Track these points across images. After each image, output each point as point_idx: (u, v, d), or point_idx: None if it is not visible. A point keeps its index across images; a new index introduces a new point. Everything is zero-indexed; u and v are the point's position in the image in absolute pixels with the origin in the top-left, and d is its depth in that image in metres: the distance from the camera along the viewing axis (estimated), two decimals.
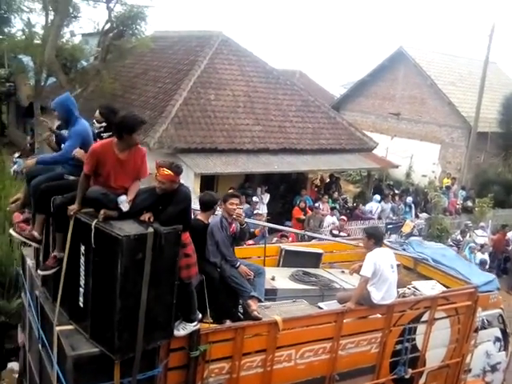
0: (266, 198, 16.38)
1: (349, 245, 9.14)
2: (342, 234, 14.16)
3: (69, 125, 5.59)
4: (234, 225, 6.49)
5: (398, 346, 6.90)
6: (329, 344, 6.26)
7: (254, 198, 15.11)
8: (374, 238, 6.78)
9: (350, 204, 19.38)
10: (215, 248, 6.24)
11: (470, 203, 20.25)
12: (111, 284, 4.47)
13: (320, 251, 8.74)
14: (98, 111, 5.43)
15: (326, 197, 17.39)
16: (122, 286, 4.43)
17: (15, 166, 19.09)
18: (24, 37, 20.13)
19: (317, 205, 16.34)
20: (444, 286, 7.83)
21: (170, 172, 4.94)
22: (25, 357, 7.24)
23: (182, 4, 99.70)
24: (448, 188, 21.30)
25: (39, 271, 5.34)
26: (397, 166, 20.76)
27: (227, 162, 15.55)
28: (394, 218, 17.55)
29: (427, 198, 19.88)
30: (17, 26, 21.61)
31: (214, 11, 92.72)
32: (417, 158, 25.37)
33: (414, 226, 16.07)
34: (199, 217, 6.15)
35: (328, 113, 19.80)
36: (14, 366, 8.93)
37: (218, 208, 6.55)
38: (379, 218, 17.33)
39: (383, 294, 6.51)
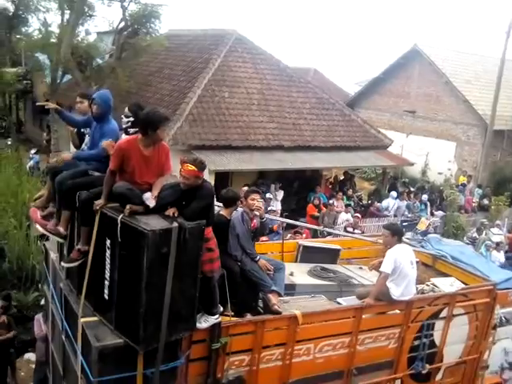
0: (280, 194, 16.36)
1: (367, 241, 9.10)
2: (356, 231, 14.12)
3: (103, 121, 5.65)
4: (255, 221, 6.55)
5: (416, 342, 6.89)
6: (347, 339, 6.29)
7: (268, 195, 15.10)
8: (397, 235, 6.80)
9: (364, 201, 19.30)
10: (236, 241, 6.30)
11: (486, 201, 20.09)
12: (137, 277, 4.56)
13: (338, 247, 8.74)
14: (127, 107, 5.50)
15: (341, 194, 17.33)
16: (147, 279, 4.52)
17: (31, 162, 19.30)
18: (40, 36, 20.35)
19: (331, 202, 16.30)
20: (462, 282, 7.82)
21: (194, 168, 5.00)
22: (47, 347, 7.37)
23: (195, 2, 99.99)
24: (464, 186, 21.13)
25: (63, 264, 5.42)
26: (412, 164, 20.63)
27: (241, 158, 15.57)
28: (410, 215, 17.44)
29: (443, 195, 19.74)
30: (34, 26, 21.86)
31: (227, 9, 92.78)
32: (432, 156, 25.17)
33: (430, 224, 15.95)
34: (222, 212, 6.22)
35: (342, 110, 19.73)
36: (30, 356, 9.14)
37: (240, 204, 6.59)
38: (394, 215, 17.23)
39: (402, 290, 6.52)
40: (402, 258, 6.59)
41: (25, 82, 26.27)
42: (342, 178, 19.92)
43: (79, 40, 19.68)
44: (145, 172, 4.99)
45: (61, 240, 5.64)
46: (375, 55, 74.61)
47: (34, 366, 8.69)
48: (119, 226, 4.65)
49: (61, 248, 6.05)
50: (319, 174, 18.56)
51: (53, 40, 19.55)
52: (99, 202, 4.89)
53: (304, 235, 12.45)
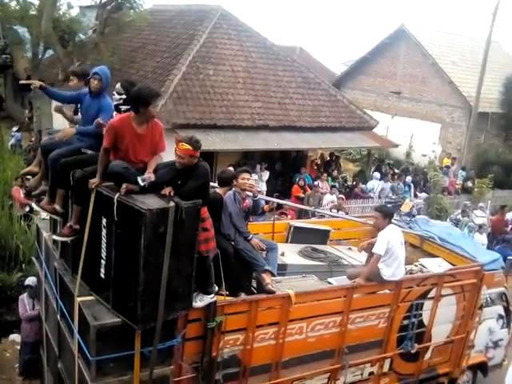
0: (266, 175, 16.25)
1: (357, 222, 9.20)
2: (340, 212, 14.08)
3: (99, 96, 5.61)
4: (247, 200, 6.63)
5: (405, 322, 7.09)
6: (339, 318, 6.43)
7: (253, 176, 14.96)
8: (388, 217, 6.92)
9: (349, 183, 19.29)
10: (228, 220, 6.37)
11: (469, 183, 20.18)
12: (134, 256, 4.58)
13: (328, 228, 8.89)
14: (118, 84, 5.44)
15: (325, 175, 17.28)
16: (145, 258, 4.54)
17: (13, 140, 18.93)
18: (18, 6, 19.72)
19: (316, 183, 16.25)
20: (450, 263, 7.95)
21: (189, 147, 4.99)
22: (40, 327, 7.41)
23: None
24: (448, 168, 21.22)
25: (54, 236, 5.44)
26: (397, 146, 20.62)
27: (226, 138, 15.38)
28: (394, 197, 17.48)
29: (427, 177, 19.81)
30: None
31: None
32: (417, 138, 25.25)
33: (413, 206, 16.00)
34: (217, 191, 6.32)
35: (328, 90, 19.58)
36: (15, 337, 9.07)
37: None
38: (379, 197, 17.26)
39: (393, 270, 6.67)
40: (393, 239, 6.71)
41: (4, 56, 25.57)
42: (328, 158, 19.85)
43: (61, 14, 19.14)
44: (139, 150, 4.98)
45: (57, 217, 5.60)
46: (362, 35, 73.90)
47: (19, 346, 8.58)
48: (115, 205, 4.64)
49: (54, 226, 6.05)
50: (304, 155, 18.46)
51: (32, 12, 18.98)
52: (94, 181, 4.88)
53: (289, 216, 12.43)
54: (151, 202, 4.62)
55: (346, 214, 14.10)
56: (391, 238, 6.67)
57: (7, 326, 9.25)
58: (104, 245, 4.89)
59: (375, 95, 27.93)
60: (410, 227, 9.05)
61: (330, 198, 15.44)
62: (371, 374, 7.07)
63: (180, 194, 4.86)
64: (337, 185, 17.62)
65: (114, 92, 5.47)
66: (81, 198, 5.05)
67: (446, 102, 24.94)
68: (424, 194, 18.19)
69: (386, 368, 7.17)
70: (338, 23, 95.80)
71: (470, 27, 65.02)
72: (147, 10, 19.35)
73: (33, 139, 19.41)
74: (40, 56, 19.81)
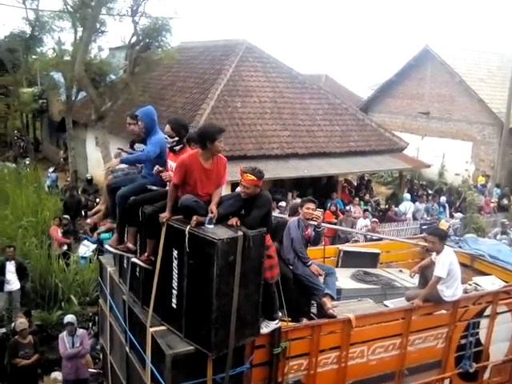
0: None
1: (408, 243, 9.40)
2: (374, 236, 13.99)
3: (151, 133, 5.99)
4: (309, 230, 6.82)
5: (463, 341, 7.13)
6: (398, 340, 6.53)
7: (283, 203, 15.01)
8: (444, 239, 7.00)
9: (382, 206, 19.15)
10: (289, 244, 6.58)
11: (505, 201, 19.78)
12: (207, 285, 4.79)
13: (377, 251, 9.01)
14: (168, 126, 5.65)
15: (357, 199, 17.23)
16: (217, 286, 4.75)
17: (48, 181, 19.53)
18: (55, 54, 20.65)
19: (348, 208, 16.19)
20: (503, 280, 7.96)
21: (253, 177, 5.25)
22: (105, 360, 7.65)
23: (205, 14, 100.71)
24: (483, 186, 20.89)
25: (133, 259, 5.61)
26: (429, 166, 20.45)
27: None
28: (428, 218, 17.27)
29: (461, 196, 19.52)
30: (48, 45, 22.22)
31: (237, 19, 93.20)
32: (449, 157, 24.96)
33: (450, 226, 15.77)
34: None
35: (356, 115, 19.67)
36: (57, 375, 9.19)
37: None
38: (414, 218, 17.07)
39: (453, 291, 6.77)
40: (454, 261, 6.85)
41: (40, 101, 26.67)
42: (356, 183, 19.79)
43: (92, 57, 19.89)
44: (206, 184, 5.27)
45: (131, 255, 5.81)
46: (387, 58, 74.23)
47: None
48: (187, 236, 4.87)
49: (120, 261, 6.37)
50: (335, 180, 18.48)
51: (67, 58, 19.82)
52: (165, 215, 5.14)
53: (323, 242, 12.41)
54: (221, 233, 4.84)
55: (380, 238, 13.99)
56: (452, 260, 6.82)
57: (49, 364, 9.43)
58: (175, 275, 5.11)
59: (403, 117, 27.84)
60: (460, 246, 9.07)
61: (363, 223, 15.36)
62: None
63: (245, 223, 5.07)
64: (369, 209, 17.54)
65: (166, 136, 5.71)
66: (153, 232, 5.31)
67: (476, 119, 24.65)
68: (460, 214, 17.91)
69: None
70: (362, 49, 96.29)
71: (496, 43, 64.51)
72: (175, 47, 19.91)
73: (68, 179, 20.01)
74: (73, 98, 20.62)
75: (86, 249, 12.61)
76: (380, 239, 13.80)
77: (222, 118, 16.36)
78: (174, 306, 5.16)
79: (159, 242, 5.25)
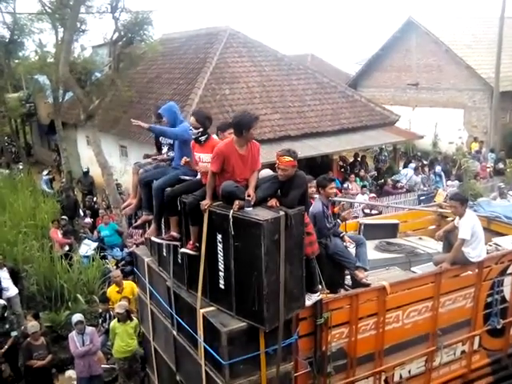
0: None
1: (428, 211, 9.89)
2: (373, 211, 14.04)
3: (175, 124, 6.35)
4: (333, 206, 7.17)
5: (489, 299, 7.48)
6: (430, 303, 6.87)
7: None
8: (466, 203, 7.28)
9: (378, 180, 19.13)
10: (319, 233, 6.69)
11: (501, 165, 19.81)
12: (255, 264, 5.02)
13: (396, 221, 9.38)
14: (192, 118, 5.83)
15: (353, 176, 17.23)
16: (266, 264, 4.98)
17: (44, 184, 19.48)
18: (37, 57, 20.48)
19: (345, 185, 16.18)
20: None
21: (290, 159, 5.45)
22: (147, 347, 8.05)
23: (185, 5, 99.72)
24: (477, 152, 20.91)
25: (182, 250, 5.80)
26: (422, 137, 20.48)
27: None
28: (425, 188, 17.30)
29: (457, 164, 19.54)
30: (30, 48, 22.03)
31: (217, 7, 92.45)
32: (441, 126, 24.97)
33: (447, 195, 15.80)
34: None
35: (345, 92, 19.62)
36: (71, 373, 9.28)
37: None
38: (412, 190, 17.09)
39: (479, 252, 7.08)
40: (476, 223, 7.18)
41: (28, 105, 26.46)
42: (351, 160, 19.78)
43: (75, 56, 19.70)
44: (242, 170, 5.47)
45: (177, 243, 6.02)
46: (372, 32, 73.71)
47: (75, 382, 8.83)
48: (231, 220, 5.09)
49: (158, 251, 6.72)
50: (330, 159, 18.48)
51: (50, 60, 19.68)
52: (206, 202, 5.38)
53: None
54: (263, 214, 5.06)
55: (380, 212, 14.04)
56: (475, 223, 7.10)
57: (62, 364, 9.55)
58: (221, 258, 5.36)
59: (393, 90, 27.79)
60: (475, 210, 9.19)
61: (361, 199, 15.39)
62: (463, 352, 7.47)
63: (285, 203, 5.28)
64: (367, 184, 17.54)
65: (191, 128, 5.87)
66: (195, 220, 5.53)
67: (465, 86, 24.60)
68: (456, 182, 17.92)
69: (475, 345, 7.56)
70: (345, 24, 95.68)
71: (479, 7, 64.05)
72: (157, 40, 19.76)
73: (63, 180, 19.95)
74: (61, 99, 20.47)
75: (87, 248, 12.64)
76: (380, 212, 13.96)
77: (212, 107, 16.27)
78: (222, 286, 5.42)
79: (201, 229, 5.47)
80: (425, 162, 20.15)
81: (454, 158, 20.72)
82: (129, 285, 10.12)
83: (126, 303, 9.04)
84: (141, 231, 12.90)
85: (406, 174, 17.72)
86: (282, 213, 5.09)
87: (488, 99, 23.51)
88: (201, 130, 5.78)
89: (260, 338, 5.26)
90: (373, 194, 15.45)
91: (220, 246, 5.35)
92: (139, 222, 6.64)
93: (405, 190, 16.98)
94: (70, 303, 10.65)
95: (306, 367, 6.01)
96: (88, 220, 14.94)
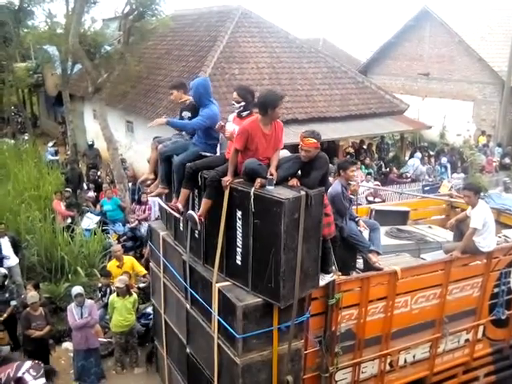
0: None
1: (440, 200, 10.06)
2: (376, 199, 14.00)
3: (201, 106, 6.26)
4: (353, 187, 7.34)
5: (496, 290, 7.61)
6: (438, 290, 7.00)
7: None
8: (478, 193, 7.40)
9: (384, 169, 19.07)
10: (336, 214, 6.75)
11: (507, 160, 19.70)
12: (274, 241, 5.09)
13: (407, 209, 9.48)
14: (235, 93, 5.84)
15: (359, 163, 17.13)
16: (284, 241, 5.05)
17: (49, 155, 19.48)
18: (47, 27, 20.32)
19: None
20: None
21: (314, 140, 5.52)
22: (158, 319, 8.12)
23: None
24: (484, 146, 20.78)
25: (190, 212, 5.82)
26: (430, 127, 20.30)
27: None
28: (430, 179, 17.23)
29: (463, 157, 19.44)
30: (40, 18, 21.86)
31: None
32: (450, 118, 24.74)
33: (452, 187, 15.76)
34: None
35: (355, 78, 19.44)
36: (68, 345, 9.36)
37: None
38: (417, 180, 17.03)
39: (489, 242, 7.17)
40: (488, 213, 7.29)
41: (36, 75, 26.32)
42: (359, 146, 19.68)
43: (86, 28, 19.54)
44: (266, 148, 5.50)
45: (178, 215, 6.17)
46: (386, 20, 72.82)
47: (72, 354, 8.89)
48: (252, 197, 5.15)
49: (175, 225, 6.82)
50: (336, 145, 18.39)
51: (60, 31, 19.51)
52: (227, 179, 5.41)
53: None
54: (285, 193, 5.11)
55: (383, 200, 14.01)
56: (487, 213, 7.21)
57: (59, 335, 9.64)
58: (240, 234, 5.42)
59: (403, 79, 27.56)
60: (486, 202, 9.19)
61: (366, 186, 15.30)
62: (467, 340, 7.62)
63: (306, 183, 5.33)
64: (372, 172, 17.47)
65: (233, 101, 5.86)
66: (212, 194, 5.57)
67: (476, 79, 24.36)
68: (462, 175, 17.85)
69: (479, 334, 7.71)
70: (359, 10, 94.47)
71: None
72: (169, 16, 19.56)
73: (68, 153, 19.93)
74: (69, 71, 20.35)
75: (89, 221, 12.65)
76: (383, 200, 13.93)
77: (220, 86, 16.15)
78: (239, 262, 5.50)
79: (215, 204, 5.55)
80: (431, 153, 20.06)
81: (461, 150, 20.59)
82: (129, 260, 10.15)
83: (127, 278, 9.08)
84: (143, 207, 12.97)
85: (413, 165, 17.64)
86: (302, 192, 5.14)
87: (499, 93, 23.28)
88: (243, 104, 5.78)
89: (274, 314, 5.35)
90: (377, 182, 15.37)
91: (239, 223, 5.40)
92: (154, 193, 6.68)
93: (410, 179, 16.93)
94: (69, 275, 10.69)
95: (315, 345, 6.14)
96: (91, 194, 14.95)
